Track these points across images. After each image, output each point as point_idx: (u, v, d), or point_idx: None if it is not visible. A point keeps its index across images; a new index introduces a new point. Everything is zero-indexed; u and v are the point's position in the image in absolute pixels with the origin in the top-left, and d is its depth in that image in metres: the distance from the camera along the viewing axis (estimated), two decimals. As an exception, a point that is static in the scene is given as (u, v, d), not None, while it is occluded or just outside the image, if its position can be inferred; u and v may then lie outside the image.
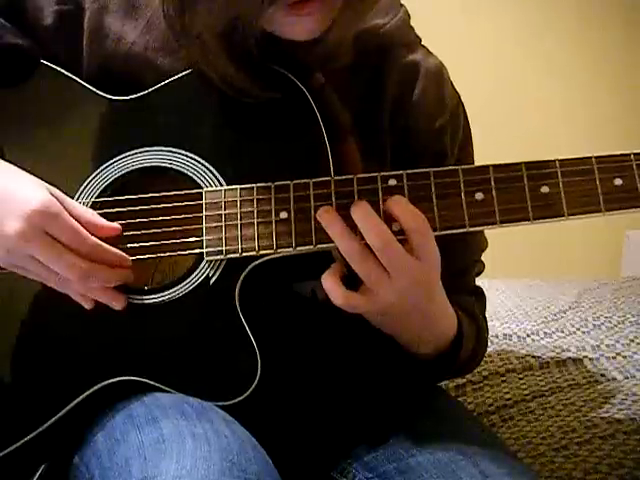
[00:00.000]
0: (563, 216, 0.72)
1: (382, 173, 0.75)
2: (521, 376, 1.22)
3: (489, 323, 0.99)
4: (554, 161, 0.73)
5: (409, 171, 0.75)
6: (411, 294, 0.74)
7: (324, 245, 0.74)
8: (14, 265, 0.76)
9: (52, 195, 0.74)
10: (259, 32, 0.76)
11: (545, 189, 0.72)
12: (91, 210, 0.78)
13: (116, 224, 0.78)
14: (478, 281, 1.00)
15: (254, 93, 0.78)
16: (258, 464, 0.66)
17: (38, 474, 0.77)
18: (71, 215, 0.74)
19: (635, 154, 0.72)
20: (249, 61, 0.78)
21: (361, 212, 0.72)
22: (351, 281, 0.74)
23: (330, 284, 0.73)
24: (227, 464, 0.64)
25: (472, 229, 0.73)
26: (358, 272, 0.72)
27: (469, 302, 0.93)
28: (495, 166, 0.74)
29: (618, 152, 0.72)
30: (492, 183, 0.73)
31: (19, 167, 0.78)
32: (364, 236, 0.72)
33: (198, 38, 0.76)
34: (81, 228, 0.74)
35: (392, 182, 0.75)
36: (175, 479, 0.62)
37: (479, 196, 0.73)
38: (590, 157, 0.73)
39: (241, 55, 0.78)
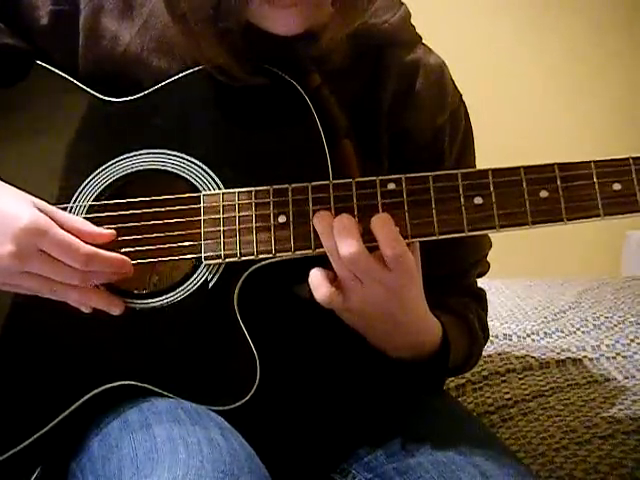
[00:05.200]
0: (562, 221, 0.72)
1: (381, 177, 0.75)
2: (521, 376, 1.22)
3: (489, 323, 0.99)
4: (553, 165, 0.73)
5: (408, 175, 0.74)
6: (381, 303, 0.74)
7: (323, 249, 0.73)
8: (7, 284, 0.75)
9: (39, 210, 0.73)
10: (242, 24, 0.75)
11: (544, 194, 0.72)
12: (82, 219, 0.77)
13: (109, 231, 0.77)
14: (479, 281, 0.99)
15: (246, 81, 0.78)
16: (251, 473, 0.66)
17: (34, 478, 0.77)
18: (62, 227, 0.73)
19: (634, 158, 0.72)
20: (241, 53, 0.77)
21: (337, 225, 0.71)
22: None
23: (317, 278, 0.72)
24: (219, 474, 0.64)
25: (471, 234, 0.73)
26: (337, 272, 0.72)
27: (462, 304, 0.93)
28: (494, 170, 0.74)
29: (617, 156, 0.72)
30: (491, 187, 0.73)
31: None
32: (338, 248, 0.71)
33: (183, 18, 0.75)
34: (73, 239, 0.73)
35: (391, 186, 0.74)
36: None
37: (478, 200, 0.73)
38: (589, 162, 0.72)
39: (231, 46, 0.77)
